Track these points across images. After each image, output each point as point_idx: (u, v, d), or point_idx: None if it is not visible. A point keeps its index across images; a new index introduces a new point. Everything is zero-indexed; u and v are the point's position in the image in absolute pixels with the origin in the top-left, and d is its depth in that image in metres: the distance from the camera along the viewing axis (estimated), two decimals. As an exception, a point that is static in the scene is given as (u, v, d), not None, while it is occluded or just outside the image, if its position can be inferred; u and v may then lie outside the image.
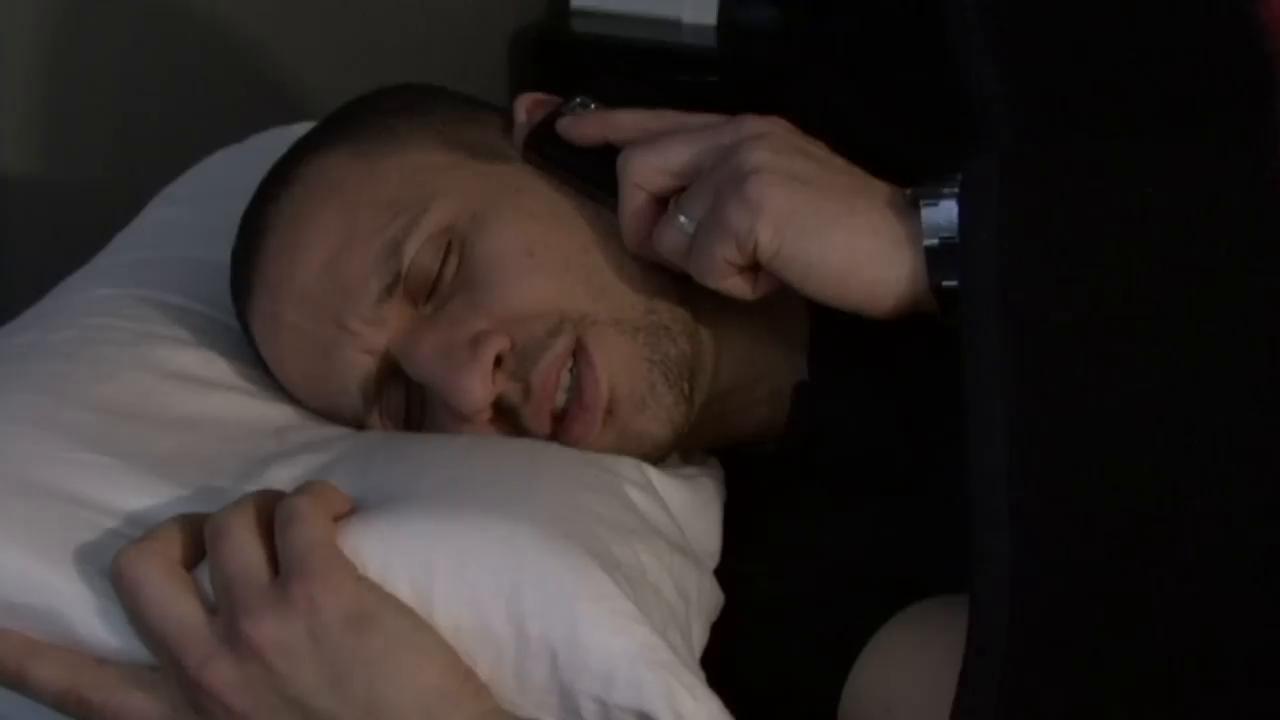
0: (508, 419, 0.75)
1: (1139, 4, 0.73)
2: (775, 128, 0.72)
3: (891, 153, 0.74)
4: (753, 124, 0.72)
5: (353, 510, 0.66)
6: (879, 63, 0.84)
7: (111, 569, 0.64)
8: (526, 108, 0.83)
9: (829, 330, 0.79)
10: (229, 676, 0.62)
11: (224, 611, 0.62)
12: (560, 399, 0.74)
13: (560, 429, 0.75)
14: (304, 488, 0.65)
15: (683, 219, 0.71)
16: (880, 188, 0.70)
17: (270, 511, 0.64)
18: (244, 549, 0.63)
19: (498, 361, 0.73)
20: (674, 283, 0.77)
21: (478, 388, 0.72)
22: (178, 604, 0.63)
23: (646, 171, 0.73)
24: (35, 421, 0.72)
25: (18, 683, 0.66)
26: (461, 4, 2.10)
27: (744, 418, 0.82)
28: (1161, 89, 0.72)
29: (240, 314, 0.81)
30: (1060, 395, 0.63)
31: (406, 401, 0.77)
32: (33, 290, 0.92)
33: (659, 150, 0.73)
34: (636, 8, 2.28)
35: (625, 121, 0.77)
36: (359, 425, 0.78)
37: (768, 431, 0.82)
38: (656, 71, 2.15)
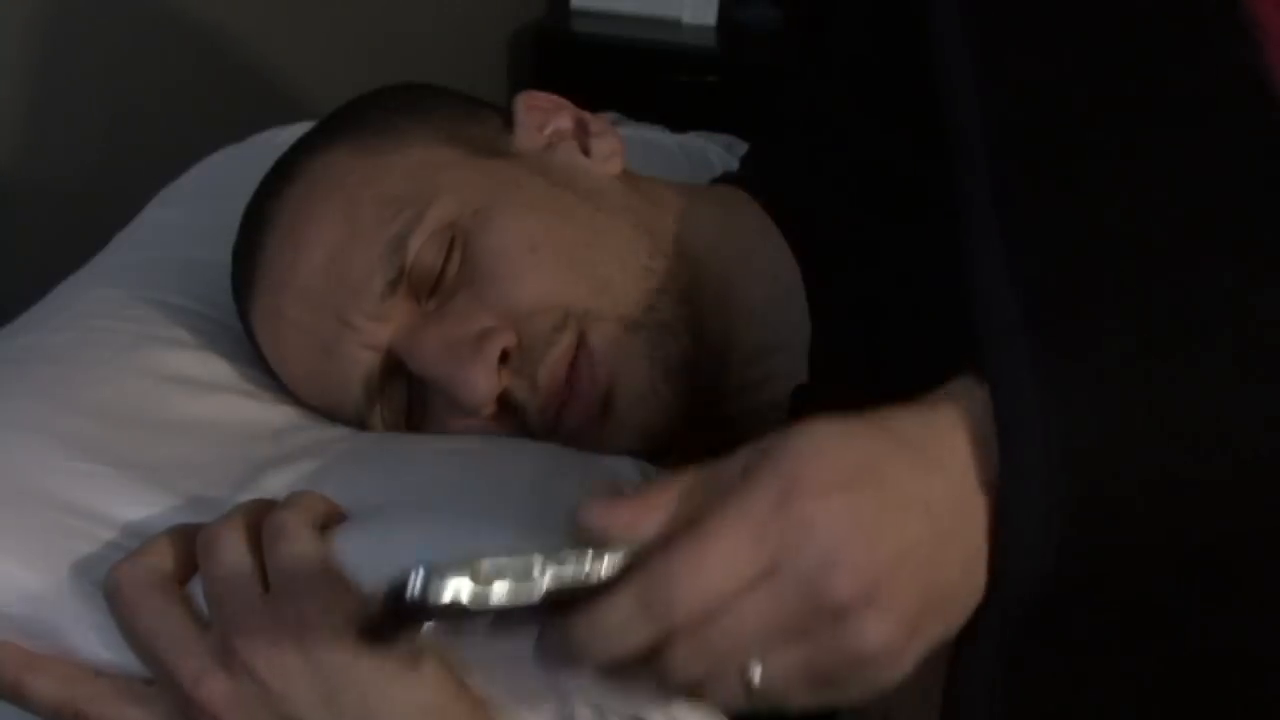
0: (511, 415, 0.75)
1: (1129, 23, 0.70)
2: (855, 531, 0.51)
3: (884, 158, 0.73)
4: (826, 540, 0.51)
5: (343, 517, 0.66)
6: (877, 65, 0.84)
7: (105, 585, 0.64)
8: (526, 105, 0.83)
9: (829, 334, 0.79)
10: (222, 692, 0.61)
11: (216, 627, 0.62)
12: (565, 393, 0.74)
13: (558, 419, 0.75)
14: (291, 499, 0.65)
15: (755, 672, 0.52)
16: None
17: (260, 522, 0.64)
18: (234, 564, 0.62)
19: (503, 357, 0.73)
20: (676, 281, 0.77)
21: (483, 382, 0.72)
22: (170, 620, 0.63)
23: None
24: (33, 428, 0.72)
25: (14, 695, 0.65)
26: (461, 4, 2.10)
27: (744, 419, 0.82)
28: (1153, 108, 0.69)
29: (241, 311, 0.81)
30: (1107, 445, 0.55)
31: (408, 399, 0.77)
32: (33, 290, 0.92)
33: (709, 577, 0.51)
34: (636, 8, 2.28)
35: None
36: (360, 423, 0.78)
37: (767, 433, 0.82)
38: (656, 71, 2.15)
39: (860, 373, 0.77)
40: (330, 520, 0.65)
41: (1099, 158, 0.62)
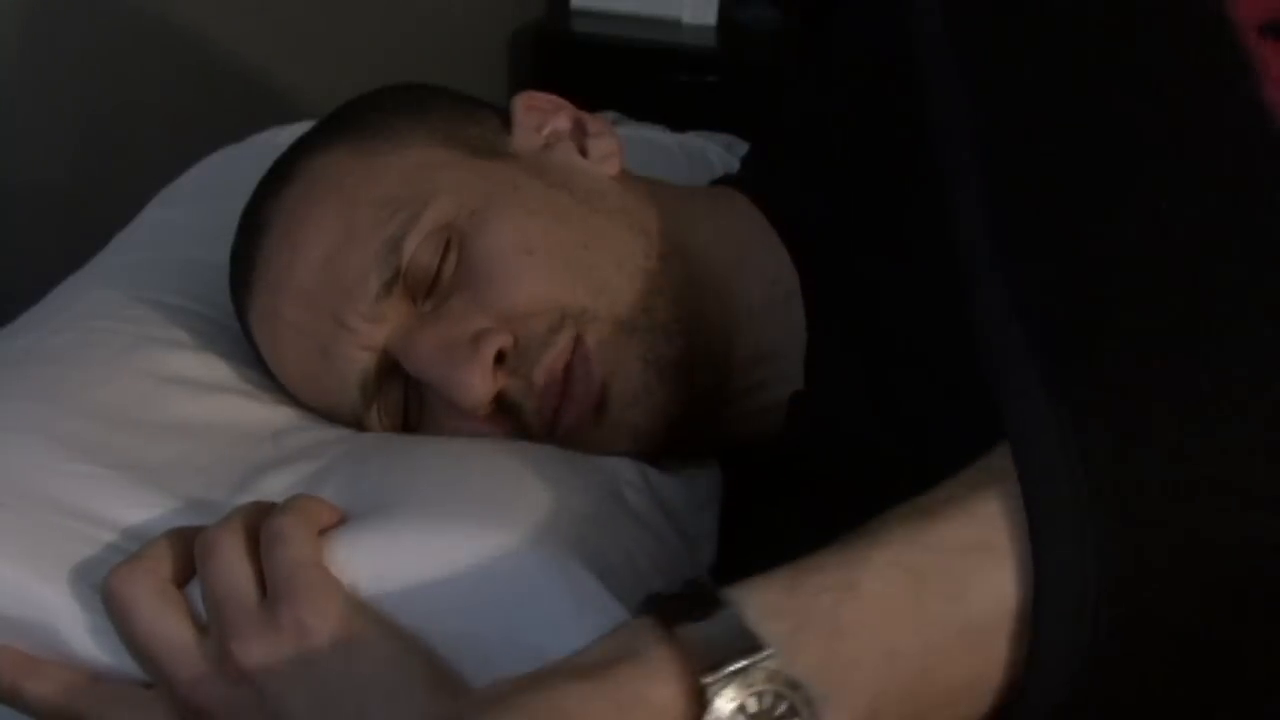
0: (508, 416, 0.75)
1: (1125, 51, 0.62)
2: None
3: (881, 164, 0.73)
4: None
5: (343, 520, 0.66)
6: (870, 74, 0.83)
7: (103, 589, 0.64)
8: (524, 106, 0.83)
9: (826, 340, 0.79)
10: (220, 698, 0.61)
11: (214, 632, 0.62)
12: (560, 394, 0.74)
13: (553, 421, 0.75)
14: (289, 504, 0.65)
15: None
16: None
17: (259, 526, 0.63)
18: (231, 569, 0.62)
19: (500, 358, 0.73)
20: (672, 283, 0.77)
21: (479, 383, 0.72)
22: (168, 625, 0.62)
23: None
24: (33, 430, 0.71)
25: (12, 699, 0.65)
26: (461, 4, 2.10)
27: (742, 424, 0.82)
28: (1155, 144, 0.60)
29: (239, 312, 0.81)
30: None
31: (405, 400, 0.77)
32: (33, 290, 0.92)
33: None
34: (636, 8, 2.28)
35: None
36: (358, 424, 0.78)
37: (766, 436, 0.82)
38: (656, 71, 2.15)
39: (856, 382, 0.77)
40: (329, 524, 0.65)
41: (1105, 214, 0.57)
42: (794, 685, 0.48)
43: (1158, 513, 0.50)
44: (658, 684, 0.48)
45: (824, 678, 0.48)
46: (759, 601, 0.50)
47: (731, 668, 0.48)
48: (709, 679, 0.47)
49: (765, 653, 0.48)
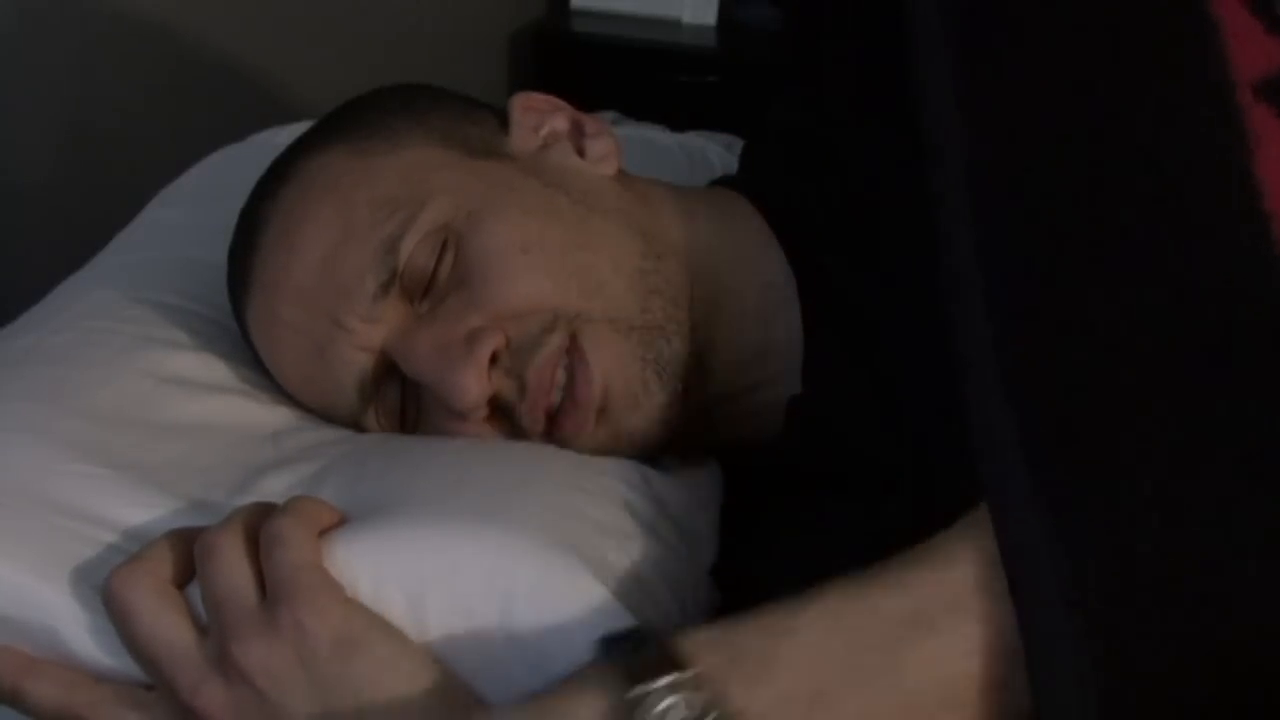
0: (504, 417, 0.75)
1: (1119, 107, 0.59)
2: None
3: (877, 168, 0.72)
4: None
5: (342, 521, 0.66)
6: (866, 81, 0.82)
7: (103, 590, 0.64)
8: (522, 106, 0.83)
9: (823, 343, 0.79)
10: (220, 700, 0.61)
11: (214, 634, 0.62)
12: (556, 397, 0.74)
13: (553, 426, 0.75)
14: (288, 506, 0.65)
15: None
16: None
17: (259, 527, 0.63)
18: (231, 571, 0.62)
19: (494, 359, 0.73)
20: (669, 283, 0.77)
21: (473, 384, 0.72)
22: (168, 627, 0.62)
23: None
24: (33, 430, 0.71)
25: (13, 699, 0.65)
26: (461, 4, 2.10)
27: (741, 424, 0.82)
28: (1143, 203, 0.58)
29: (237, 312, 0.81)
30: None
31: (402, 400, 0.77)
32: (33, 291, 0.92)
33: None
34: (636, 8, 2.28)
35: None
36: (355, 425, 0.78)
37: (765, 438, 0.82)
38: (656, 71, 2.15)
39: (853, 385, 0.77)
40: (329, 525, 0.65)
41: (1091, 270, 0.57)
42: (722, 710, 0.50)
43: (1152, 627, 0.50)
44: (587, 700, 0.52)
45: (751, 706, 0.51)
46: (696, 637, 0.53)
47: (658, 684, 0.51)
48: (636, 692, 0.51)
49: (692, 671, 0.51)
